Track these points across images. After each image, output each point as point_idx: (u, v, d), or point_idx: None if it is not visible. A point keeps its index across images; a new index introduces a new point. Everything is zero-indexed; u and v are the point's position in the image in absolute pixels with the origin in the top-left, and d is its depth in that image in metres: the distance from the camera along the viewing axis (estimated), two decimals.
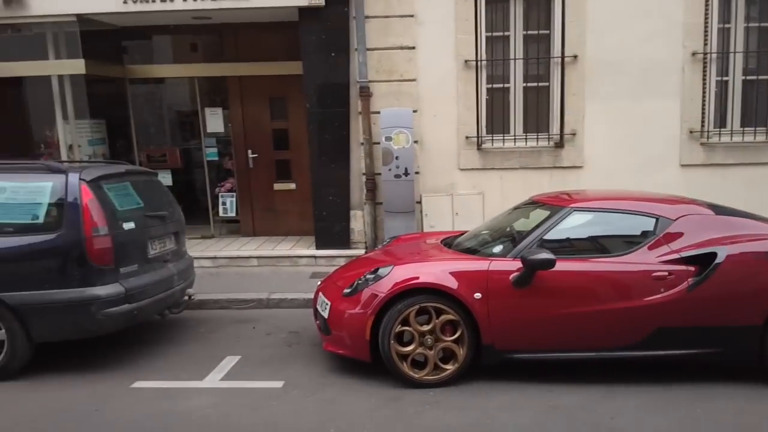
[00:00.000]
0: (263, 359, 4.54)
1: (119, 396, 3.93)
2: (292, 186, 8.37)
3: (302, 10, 7.09)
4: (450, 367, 3.98)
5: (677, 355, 3.85)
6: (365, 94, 7.18)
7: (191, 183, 9.75)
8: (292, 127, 8.31)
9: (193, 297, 5.30)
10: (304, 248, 7.51)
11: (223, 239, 8.31)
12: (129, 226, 4.51)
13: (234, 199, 8.50)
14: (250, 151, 8.34)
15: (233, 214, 8.53)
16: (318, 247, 7.38)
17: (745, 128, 6.96)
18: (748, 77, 6.99)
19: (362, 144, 7.27)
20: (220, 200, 8.53)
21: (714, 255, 3.79)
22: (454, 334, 3.98)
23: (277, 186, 8.41)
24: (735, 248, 3.79)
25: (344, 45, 7.20)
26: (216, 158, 8.73)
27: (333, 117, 7.31)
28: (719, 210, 4.20)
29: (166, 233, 5.01)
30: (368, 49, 7.15)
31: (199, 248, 7.55)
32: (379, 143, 7.02)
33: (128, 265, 4.45)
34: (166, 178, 8.47)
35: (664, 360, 3.90)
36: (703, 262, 3.80)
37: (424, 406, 3.68)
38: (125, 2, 6.99)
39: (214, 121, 8.59)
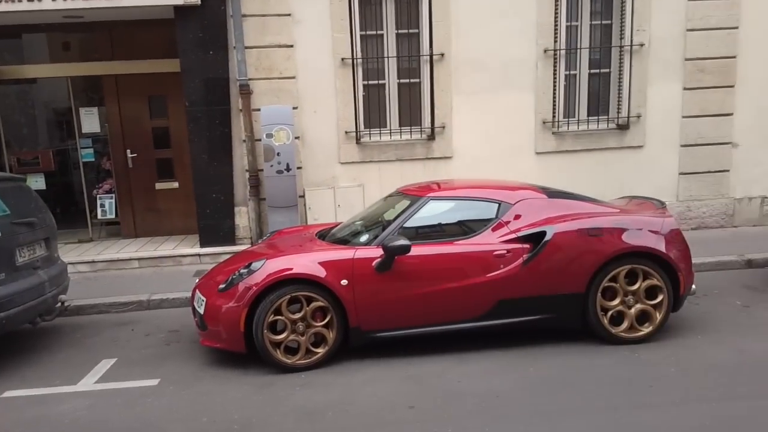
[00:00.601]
0: (140, 359, 4.62)
1: None
2: (175, 185, 8.32)
3: (178, 9, 7.07)
4: (320, 351, 4.28)
5: (517, 323, 4.38)
6: (245, 91, 7.29)
7: (67, 185, 9.41)
8: (173, 125, 8.25)
9: (66, 303, 5.23)
10: (188, 247, 7.53)
11: (102, 242, 8.13)
12: None
13: (113, 201, 8.33)
14: (129, 151, 8.20)
15: (113, 216, 8.36)
16: (202, 245, 7.43)
17: (590, 117, 7.77)
18: (593, 71, 7.80)
19: (244, 141, 7.38)
20: (99, 202, 8.33)
21: (544, 233, 4.34)
22: (324, 320, 4.27)
23: (159, 185, 8.33)
24: (561, 226, 4.35)
25: (222, 43, 7.26)
26: (93, 159, 8.51)
27: (214, 115, 7.36)
28: (552, 193, 4.77)
29: (35, 240, 4.92)
30: (247, 47, 7.25)
31: (75, 253, 7.37)
32: (260, 140, 7.16)
33: None
34: (39, 182, 8.16)
35: (506, 328, 4.41)
36: (536, 239, 4.34)
37: (294, 389, 3.95)
38: None
39: (90, 120, 8.36)
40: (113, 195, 8.32)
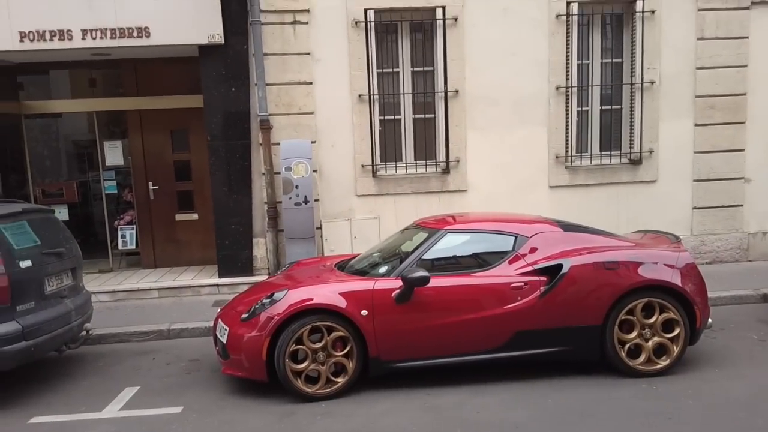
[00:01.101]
0: (162, 388, 4.70)
1: None
2: (195, 216, 8.50)
3: (202, 47, 7.34)
4: (341, 380, 4.35)
5: (534, 355, 4.43)
6: (265, 126, 7.50)
7: (89, 216, 9.63)
8: (194, 159, 8.47)
9: (91, 332, 5.35)
10: (207, 277, 7.65)
11: (123, 272, 8.28)
12: (26, 264, 4.57)
13: (134, 232, 8.50)
14: (150, 183, 8.41)
15: (133, 247, 8.52)
16: (221, 276, 7.55)
17: (603, 152, 7.90)
18: (605, 107, 7.96)
19: (264, 174, 7.56)
20: (120, 233, 8.51)
21: (561, 266, 4.42)
22: (344, 349, 4.35)
23: (179, 216, 8.51)
24: (577, 260, 4.44)
25: (244, 80, 7.51)
26: (115, 191, 8.72)
27: (234, 148, 7.57)
28: (567, 227, 4.87)
29: (63, 269, 5.07)
30: (268, 84, 7.49)
31: (96, 282, 7.51)
32: (279, 173, 7.34)
33: (25, 302, 4.50)
34: (62, 213, 8.36)
35: (524, 360, 4.46)
36: (552, 272, 4.42)
37: (315, 418, 4.01)
38: (21, 41, 6.95)
39: (113, 153, 8.61)
40: (134, 226, 8.50)
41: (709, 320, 4.68)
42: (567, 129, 7.77)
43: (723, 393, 4.12)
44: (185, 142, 8.51)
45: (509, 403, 4.09)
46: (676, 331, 4.44)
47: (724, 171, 7.94)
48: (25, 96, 8.34)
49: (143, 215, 8.47)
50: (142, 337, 6.00)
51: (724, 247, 8.04)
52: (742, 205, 8.02)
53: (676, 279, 4.44)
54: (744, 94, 7.85)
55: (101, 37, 7.03)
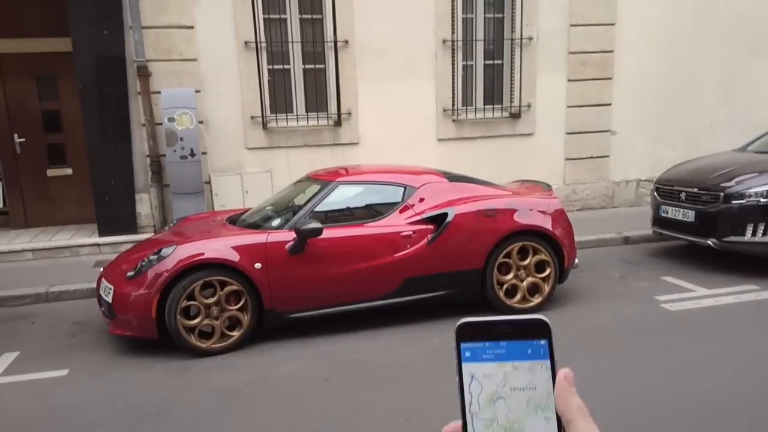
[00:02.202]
0: (45, 351, 4.47)
1: None
2: (69, 171, 7.93)
3: None
4: (236, 334, 4.37)
5: (423, 299, 4.71)
6: (143, 73, 7.06)
7: None
8: (65, 108, 7.83)
9: None
10: (86, 237, 7.23)
11: None
12: None
13: (0, 189, 7.78)
14: (16, 135, 7.69)
15: (0, 206, 7.81)
16: (101, 235, 7.16)
17: (486, 106, 8.27)
18: (488, 62, 8.28)
19: (144, 125, 7.17)
20: None
21: (446, 215, 4.67)
22: (238, 303, 4.36)
23: (51, 172, 7.90)
24: (461, 208, 4.71)
25: (118, 22, 6.98)
26: None
27: (110, 97, 7.08)
28: (453, 177, 5.13)
29: None
30: (144, 27, 7.02)
31: None
32: (162, 124, 6.99)
33: None
34: None
35: (414, 304, 4.72)
36: (439, 221, 4.67)
37: (211, 371, 4.03)
38: None
39: None
40: (0, 183, 7.79)
41: (576, 261, 5.17)
42: (453, 83, 8.02)
43: (587, 325, 4.62)
44: (54, 89, 7.83)
45: (400, 344, 4.34)
46: (547, 272, 4.88)
47: (594, 124, 8.62)
48: None
49: (10, 171, 7.76)
50: (17, 301, 5.61)
51: (592, 195, 8.81)
52: (608, 156, 8.79)
53: (547, 224, 4.85)
54: (612, 51, 8.48)
55: None
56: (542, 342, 0.57)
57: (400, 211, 4.72)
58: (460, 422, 0.57)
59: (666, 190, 6.37)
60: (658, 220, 6.47)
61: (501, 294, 4.81)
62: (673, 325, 4.55)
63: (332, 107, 7.79)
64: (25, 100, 7.71)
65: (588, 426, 0.52)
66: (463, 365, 0.57)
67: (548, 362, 0.57)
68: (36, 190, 7.86)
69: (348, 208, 4.82)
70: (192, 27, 7.18)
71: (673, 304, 4.97)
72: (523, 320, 0.58)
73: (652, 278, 5.72)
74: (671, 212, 6.22)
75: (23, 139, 7.71)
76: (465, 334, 0.57)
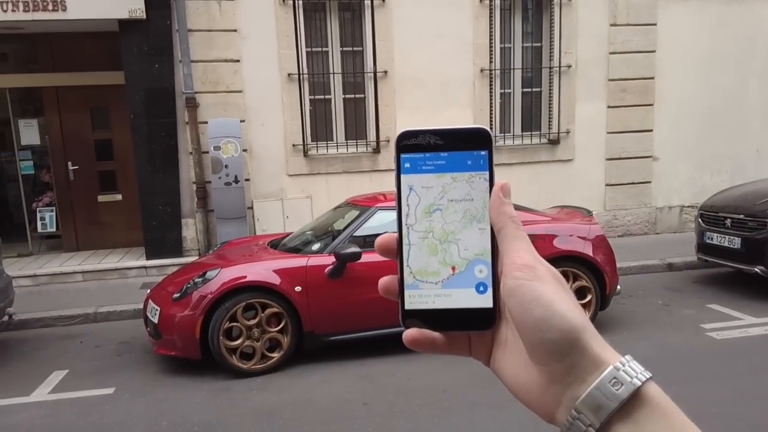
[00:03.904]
0: (92, 370, 4.64)
1: None
2: (118, 197, 8.25)
3: (123, 22, 7.08)
4: (276, 355, 4.45)
5: None
6: (192, 105, 7.36)
7: (3, 198, 9.11)
8: (117, 137, 8.19)
9: (13, 316, 5.18)
10: (134, 260, 7.49)
11: (43, 256, 7.96)
12: None
13: (54, 214, 8.16)
14: (70, 163, 8.07)
15: (53, 229, 8.18)
16: (149, 258, 7.40)
17: (524, 133, 8.28)
18: (526, 89, 8.32)
19: (191, 153, 7.44)
20: (39, 215, 8.14)
21: None
22: (278, 325, 4.45)
23: (102, 197, 8.24)
24: None
25: (168, 56, 7.32)
26: (32, 171, 8.31)
27: (159, 127, 7.39)
28: None
29: None
30: (193, 61, 7.34)
31: (16, 267, 7.19)
32: (208, 152, 7.24)
33: None
34: None
35: None
36: None
37: (251, 392, 4.11)
38: None
39: (29, 132, 8.20)
40: (53, 208, 8.15)
41: (618, 287, 5.10)
42: (491, 110, 8.08)
43: (631, 353, 4.40)
44: (106, 120, 8.22)
45: (438, 369, 4.33)
46: (588, 298, 4.82)
47: (635, 150, 8.52)
48: None
49: (63, 196, 8.13)
50: (67, 321, 5.84)
51: (634, 221, 8.66)
52: (650, 182, 8.65)
53: (587, 250, 4.81)
54: (652, 78, 8.41)
55: (13, 10, 6.66)
56: (483, 152, 0.54)
57: None
58: (395, 235, 0.56)
59: (711, 216, 6.23)
60: (703, 247, 6.31)
61: None
62: (721, 355, 4.42)
63: (371, 135, 7.93)
64: (79, 129, 8.11)
65: (516, 232, 0.51)
66: (402, 176, 0.55)
67: (487, 174, 0.54)
68: (87, 214, 8.21)
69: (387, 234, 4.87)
70: (238, 61, 7.48)
71: (720, 333, 4.83)
72: (463, 129, 0.55)
73: (697, 306, 5.58)
74: (716, 239, 6.07)
75: (77, 167, 8.09)
76: (406, 143, 0.55)
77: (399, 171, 0.55)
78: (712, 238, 6.14)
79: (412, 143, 0.55)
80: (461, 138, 0.54)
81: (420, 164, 0.55)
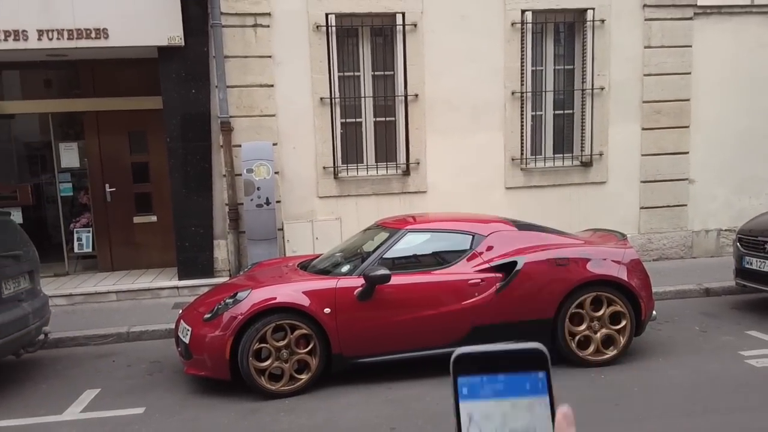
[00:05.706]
0: (124, 389, 4.69)
1: None
2: (153, 218, 8.42)
3: (162, 49, 7.29)
4: (304, 377, 4.43)
5: None
6: (226, 128, 7.51)
7: (43, 219, 9.42)
8: (153, 160, 8.40)
9: (49, 335, 5.28)
10: (166, 280, 7.60)
11: (79, 276, 8.15)
12: None
13: (90, 234, 8.37)
14: (107, 185, 8.29)
15: (89, 250, 8.38)
16: (181, 278, 7.51)
17: (556, 155, 8.21)
18: (557, 111, 8.27)
19: (224, 176, 7.57)
20: (75, 236, 8.36)
21: (515, 263, 4.62)
22: (307, 347, 4.44)
23: (137, 219, 8.42)
24: (531, 257, 4.65)
25: (204, 82, 7.50)
26: (70, 193, 8.57)
27: (195, 150, 7.55)
28: (521, 226, 5.09)
29: (20, 272, 5.00)
30: (228, 87, 7.50)
31: (52, 286, 7.37)
32: (241, 175, 7.36)
33: None
34: (16, 216, 8.15)
35: None
36: (508, 269, 4.62)
37: (279, 414, 4.09)
38: None
39: (69, 155, 8.46)
40: (90, 229, 8.37)
41: (654, 312, 4.95)
42: (522, 133, 8.05)
43: (666, 380, 4.38)
44: (143, 143, 8.43)
45: None
46: (623, 323, 4.69)
47: (670, 172, 8.36)
48: None
49: (100, 218, 8.35)
50: (101, 340, 5.94)
51: (669, 244, 8.45)
52: (686, 205, 8.45)
53: (622, 274, 4.70)
54: (688, 100, 8.28)
55: (58, 38, 6.93)
56: (540, 375, 0.54)
57: (468, 259, 4.72)
58: None
59: (750, 240, 6.04)
60: (742, 272, 6.11)
61: (573, 345, 4.65)
62: (761, 383, 4.24)
63: (401, 157, 7.97)
64: (117, 153, 8.34)
65: None
66: (461, 403, 0.54)
67: (547, 399, 0.53)
68: (123, 235, 8.40)
69: (416, 256, 4.87)
70: (272, 85, 7.62)
71: (760, 361, 4.64)
72: (519, 349, 0.55)
73: (735, 332, 5.38)
74: (756, 263, 5.88)
75: (114, 189, 8.30)
76: (462, 365, 0.54)
77: (456, 396, 0.55)
78: (751, 263, 5.95)
79: (468, 365, 0.55)
80: (518, 358, 0.54)
81: (478, 388, 0.54)
